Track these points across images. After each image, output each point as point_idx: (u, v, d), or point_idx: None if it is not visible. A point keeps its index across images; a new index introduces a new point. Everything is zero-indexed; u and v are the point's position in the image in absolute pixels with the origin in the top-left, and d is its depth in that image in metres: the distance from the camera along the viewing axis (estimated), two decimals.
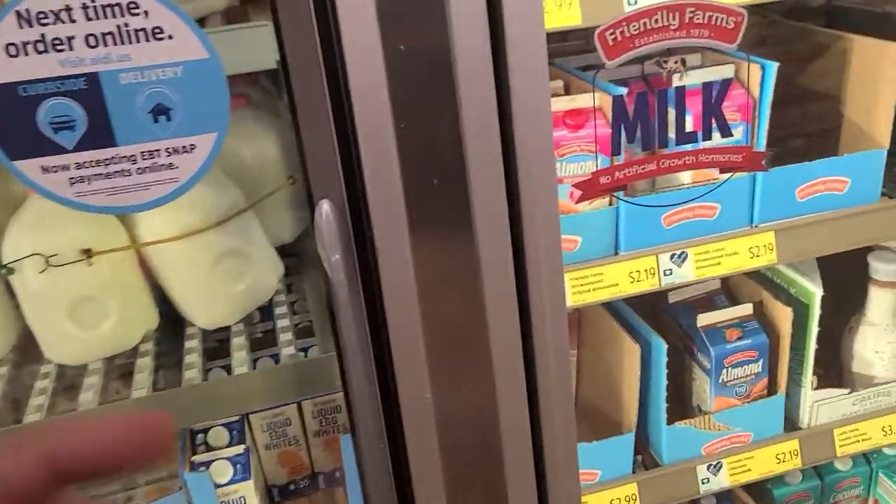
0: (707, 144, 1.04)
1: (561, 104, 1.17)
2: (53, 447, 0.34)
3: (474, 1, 0.72)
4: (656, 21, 0.86)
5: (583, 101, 1.15)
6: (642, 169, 0.97)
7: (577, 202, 0.99)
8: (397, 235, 0.75)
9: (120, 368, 1.21)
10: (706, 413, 1.40)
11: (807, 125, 1.49)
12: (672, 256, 1.27)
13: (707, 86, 1.01)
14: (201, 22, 1.13)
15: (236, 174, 1.24)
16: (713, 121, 1.02)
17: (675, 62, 0.98)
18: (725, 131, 1.05)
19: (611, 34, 0.85)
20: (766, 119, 1.22)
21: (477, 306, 0.83)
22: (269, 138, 1.33)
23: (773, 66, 1.18)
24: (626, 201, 1.18)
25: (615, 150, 0.99)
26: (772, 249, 1.30)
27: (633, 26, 0.86)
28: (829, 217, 1.31)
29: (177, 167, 0.80)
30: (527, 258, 0.84)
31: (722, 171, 1.04)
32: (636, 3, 1.09)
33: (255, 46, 0.99)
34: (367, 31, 0.69)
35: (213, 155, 0.80)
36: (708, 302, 1.49)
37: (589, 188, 0.97)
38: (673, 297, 1.49)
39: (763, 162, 1.05)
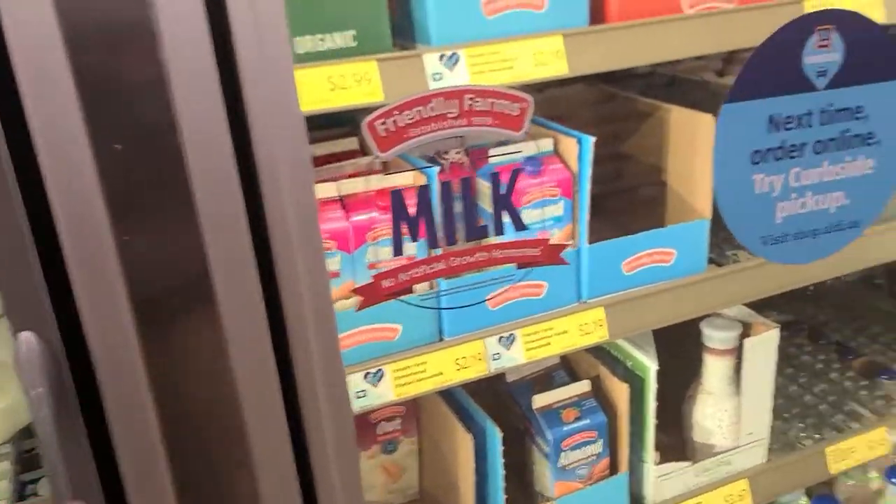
0: (502, 238, 0.97)
1: (374, 183, 1.08)
2: None
3: (213, 107, 0.61)
4: (432, 109, 0.79)
5: (402, 180, 1.07)
6: (430, 269, 0.89)
7: (360, 309, 0.90)
8: (127, 366, 0.63)
9: None
10: (548, 500, 1.33)
11: (633, 196, 1.48)
12: (500, 339, 1.19)
13: (495, 177, 0.95)
14: None
15: None
16: (504, 214, 0.96)
17: (458, 152, 0.91)
18: (519, 224, 0.99)
19: (381, 124, 0.77)
20: (587, 193, 1.18)
21: (236, 419, 0.71)
22: None
23: (590, 140, 1.15)
24: (447, 286, 1.10)
25: (397, 249, 0.90)
26: (602, 325, 1.26)
27: (407, 115, 0.78)
28: (659, 289, 1.28)
29: None
30: (296, 366, 0.73)
31: (519, 267, 0.98)
32: (441, 78, 1.03)
33: None
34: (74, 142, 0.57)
35: None
36: (547, 379, 1.43)
37: (371, 294, 0.87)
38: (511, 376, 1.42)
39: (561, 255, 1.00)
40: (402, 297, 0.95)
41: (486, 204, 1.02)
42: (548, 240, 0.98)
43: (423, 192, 0.88)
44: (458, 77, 1.03)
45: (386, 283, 0.87)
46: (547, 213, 1.17)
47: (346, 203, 1.07)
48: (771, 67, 0.85)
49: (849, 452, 1.54)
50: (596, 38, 1.10)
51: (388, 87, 1.01)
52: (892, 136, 0.93)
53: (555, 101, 1.53)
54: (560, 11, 1.09)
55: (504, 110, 0.83)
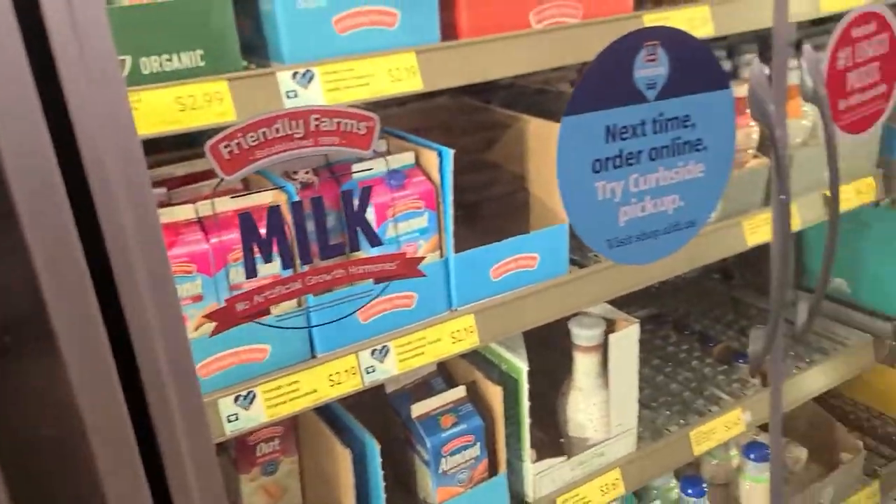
0: (359, 254, 0.99)
1: (229, 204, 1.06)
2: None
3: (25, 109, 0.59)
4: (277, 130, 0.79)
5: (263, 198, 1.06)
6: (286, 289, 0.89)
7: (213, 335, 0.89)
8: None
9: None
10: None
11: (503, 204, 1.53)
12: (373, 352, 1.20)
13: (346, 194, 0.96)
14: None
15: None
16: (358, 230, 0.97)
17: (307, 172, 0.92)
18: (374, 240, 1.01)
19: (225, 147, 0.77)
20: (450, 204, 1.21)
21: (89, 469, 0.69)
22: None
23: (450, 153, 1.18)
24: (317, 302, 1.10)
25: (250, 272, 0.90)
26: (473, 332, 1.29)
27: (251, 137, 0.78)
28: (525, 293, 1.33)
29: None
30: (148, 397, 0.71)
31: (377, 282, 0.99)
32: (296, 96, 1.04)
33: None
34: None
35: None
36: (425, 387, 1.45)
37: (224, 318, 0.86)
38: (390, 387, 1.44)
39: (421, 266, 1.02)
40: (261, 319, 0.94)
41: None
42: (404, 254, 1.00)
43: (274, 212, 0.88)
44: (313, 95, 1.04)
45: (241, 307, 0.86)
46: (413, 225, 1.20)
47: (205, 225, 1.05)
48: (605, 81, 0.91)
49: (710, 434, 1.65)
50: (448, 54, 1.13)
51: (240, 106, 1.00)
52: (717, 142, 1.01)
53: (418, 115, 1.56)
54: (412, 28, 1.11)
55: (351, 129, 0.84)
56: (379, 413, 1.48)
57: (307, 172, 0.92)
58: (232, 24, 1.00)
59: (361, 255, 1.12)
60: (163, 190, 1.13)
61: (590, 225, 0.98)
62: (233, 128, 0.78)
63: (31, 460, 0.71)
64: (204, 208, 0.99)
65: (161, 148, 1.27)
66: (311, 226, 0.91)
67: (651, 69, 0.94)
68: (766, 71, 1.24)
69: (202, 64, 0.96)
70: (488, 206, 1.56)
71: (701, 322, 2.11)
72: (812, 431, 2.10)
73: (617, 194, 0.98)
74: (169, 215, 0.99)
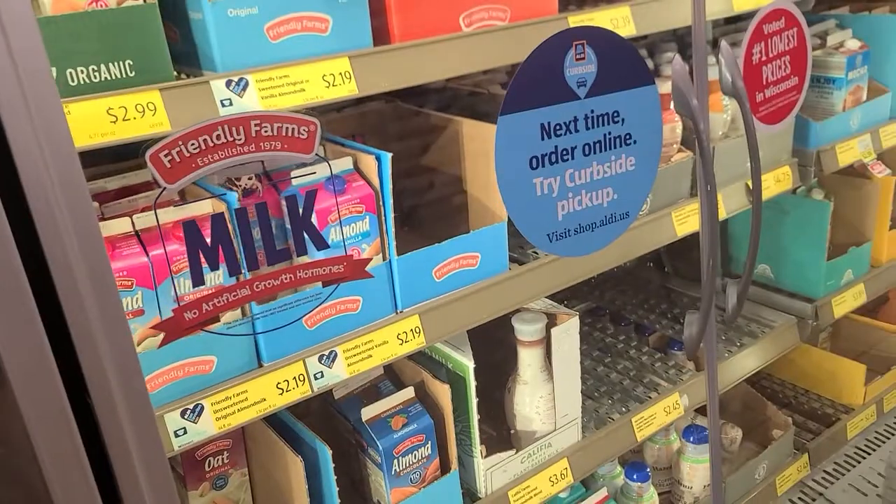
0: (304, 259, 0.99)
1: (170, 215, 1.05)
2: None
3: None
4: (218, 137, 0.79)
5: (199, 208, 1.05)
6: (234, 296, 0.89)
7: (162, 346, 0.88)
8: None
9: None
10: None
11: (444, 206, 1.55)
12: (321, 358, 1.20)
13: (291, 199, 0.96)
14: None
15: None
16: (305, 235, 0.98)
17: (250, 178, 0.92)
18: (320, 243, 1.02)
19: (166, 156, 0.76)
20: (391, 206, 1.22)
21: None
22: None
23: (388, 157, 1.19)
24: (260, 310, 1.09)
25: (197, 280, 0.89)
26: (419, 332, 1.30)
27: (192, 145, 0.78)
28: (468, 292, 1.35)
29: None
30: (99, 417, 0.70)
31: (325, 285, 1.00)
32: (231, 104, 1.03)
33: None
34: None
35: None
36: (374, 391, 1.46)
37: (172, 328, 0.85)
38: (339, 392, 1.44)
39: (368, 268, 1.03)
40: (210, 328, 0.93)
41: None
42: (351, 256, 1.00)
43: (218, 220, 0.87)
44: (249, 102, 1.03)
45: (189, 315, 0.85)
46: (355, 229, 1.20)
47: (143, 237, 1.04)
48: (538, 80, 0.94)
49: (651, 419, 1.70)
50: (380, 59, 1.14)
51: (174, 116, 0.99)
52: (646, 136, 1.06)
53: (354, 120, 1.56)
54: (344, 34, 1.12)
55: (292, 134, 0.84)
56: (327, 419, 1.48)
57: (250, 179, 0.92)
58: (161, 33, 0.98)
59: (307, 259, 1.12)
60: (95, 205, 1.10)
61: (530, 220, 1.01)
62: (173, 136, 0.77)
63: None
64: (143, 220, 0.97)
65: (90, 162, 1.24)
66: (256, 233, 0.91)
67: (581, 67, 0.97)
68: (687, 68, 1.30)
69: (132, 75, 0.95)
70: (427, 209, 1.57)
71: (636, 313, 2.17)
72: (745, 412, 2.19)
73: (554, 189, 1.01)
74: (106, 229, 0.97)
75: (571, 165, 1.01)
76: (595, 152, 1.03)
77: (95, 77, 0.92)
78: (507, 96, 0.91)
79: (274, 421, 1.32)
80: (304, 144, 0.85)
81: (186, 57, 1.08)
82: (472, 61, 1.23)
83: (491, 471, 1.47)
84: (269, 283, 0.89)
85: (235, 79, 1.03)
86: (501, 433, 1.60)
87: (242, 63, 1.06)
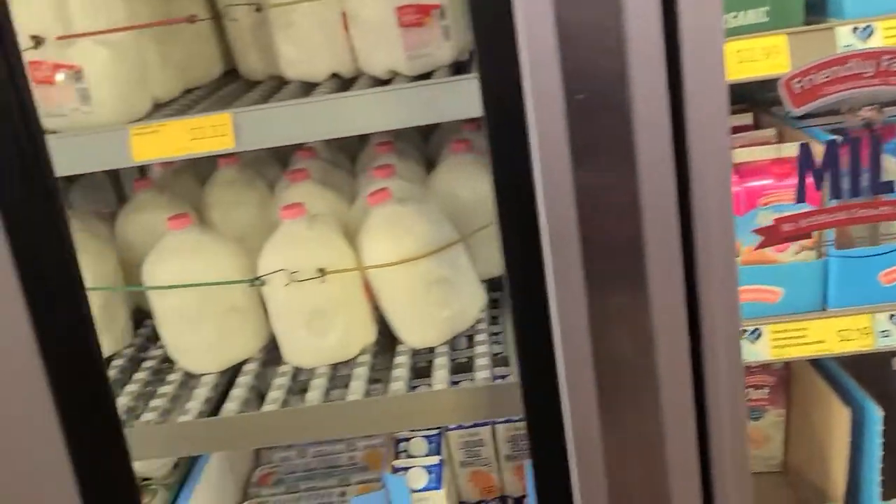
0: None
1: (768, 153, 1.16)
2: None
3: (652, 50, 0.77)
4: (849, 69, 0.84)
5: (790, 150, 1.13)
6: (830, 218, 0.93)
7: (758, 248, 0.98)
8: (574, 290, 0.82)
9: (341, 376, 1.39)
10: None
11: None
12: (892, 317, 1.18)
13: None
14: (429, 75, 1.28)
15: (453, 211, 1.38)
16: None
17: (871, 110, 0.93)
18: None
19: (797, 82, 0.85)
20: None
21: (648, 351, 0.87)
22: (485, 179, 1.45)
23: None
24: (838, 254, 1.13)
25: (800, 198, 0.96)
26: None
27: (823, 74, 0.84)
28: None
29: None
30: (702, 317, 0.86)
31: None
32: (850, 46, 1.07)
33: (469, 96, 1.12)
34: (550, 82, 0.78)
35: None
36: None
37: (771, 235, 0.95)
38: None
39: None
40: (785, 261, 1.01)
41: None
42: None
43: (832, 145, 0.93)
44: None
45: (786, 227, 0.95)
46: None
47: (739, 170, 1.17)
48: None
49: None
50: None
51: (795, 60, 1.07)
52: None
53: None
54: None
55: None
56: (873, 381, 1.42)
57: (871, 111, 0.95)
58: None
59: None
60: None
61: None
62: (807, 65, 0.86)
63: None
64: (739, 155, 1.10)
65: None
66: (864, 162, 0.94)
67: None
68: None
69: (765, 20, 1.06)
70: None
71: None
72: None
73: None
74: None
75: None
76: None
77: (734, 22, 1.06)
78: None
79: (821, 369, 1.34)
80: None
81: (814, 6, 1.15)
82: None
83: None
84: (867, 212, 0.92)
85: (862, 26, 1.05)
86: None
87: (871, 12, 1.07)
